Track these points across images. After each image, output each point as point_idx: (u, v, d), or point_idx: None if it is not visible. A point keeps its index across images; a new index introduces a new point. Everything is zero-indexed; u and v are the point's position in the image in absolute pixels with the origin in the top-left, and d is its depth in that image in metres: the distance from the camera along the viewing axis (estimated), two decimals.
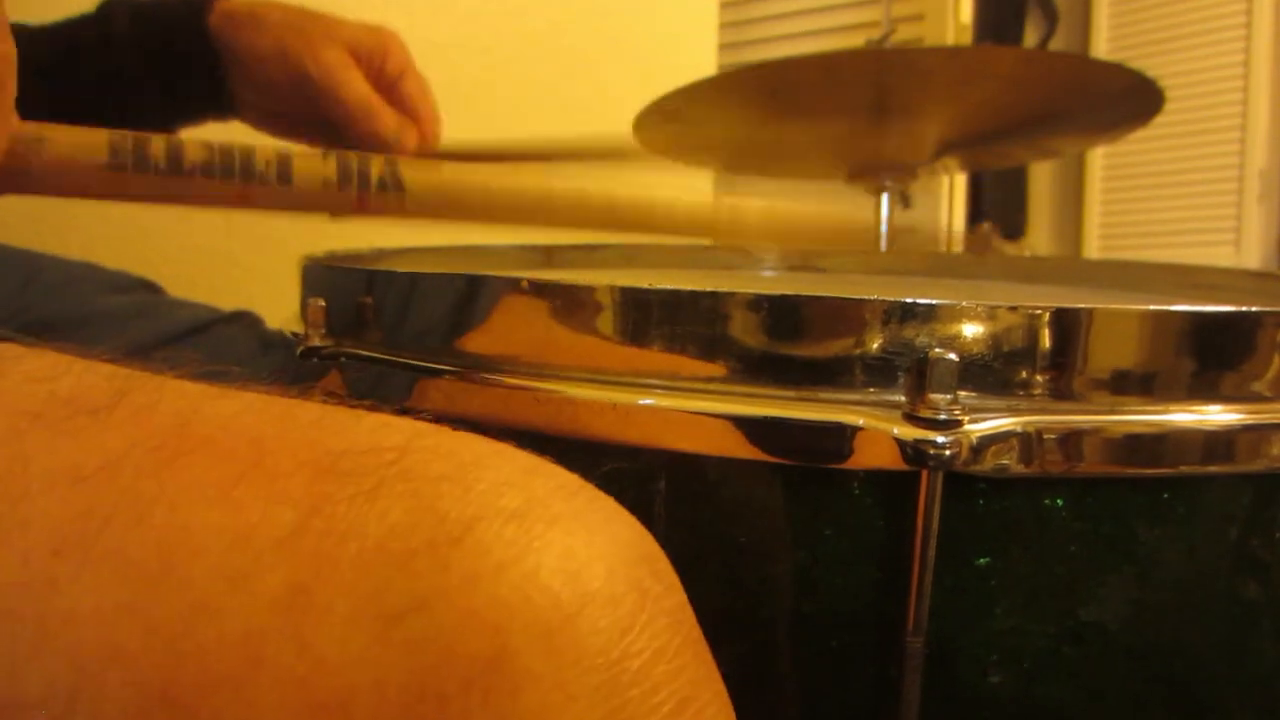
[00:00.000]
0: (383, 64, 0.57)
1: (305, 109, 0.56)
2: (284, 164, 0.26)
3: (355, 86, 0.55)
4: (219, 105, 0.57)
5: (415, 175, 0.29)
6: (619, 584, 0.17)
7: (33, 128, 0.25)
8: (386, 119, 0.56)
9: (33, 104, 0.23)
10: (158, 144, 0.26)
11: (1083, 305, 0.26)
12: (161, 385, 0.19)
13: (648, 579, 0.18)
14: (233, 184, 0.27)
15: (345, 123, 0.55)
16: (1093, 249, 2.24)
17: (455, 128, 0.62)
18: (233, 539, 0.16)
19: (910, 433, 0.25)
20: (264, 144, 0.28)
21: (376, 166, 0.28)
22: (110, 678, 0.15)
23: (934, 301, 0.26)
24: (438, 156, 0.60)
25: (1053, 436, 0.25)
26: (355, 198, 0.28)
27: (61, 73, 0.53)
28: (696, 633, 0.19)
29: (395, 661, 0.15)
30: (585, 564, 0.17)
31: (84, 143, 0.26)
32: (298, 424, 0.18)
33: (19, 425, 0.17)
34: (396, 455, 0.18)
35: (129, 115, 0.57)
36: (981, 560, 0.27)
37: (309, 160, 0.27)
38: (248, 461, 0.17)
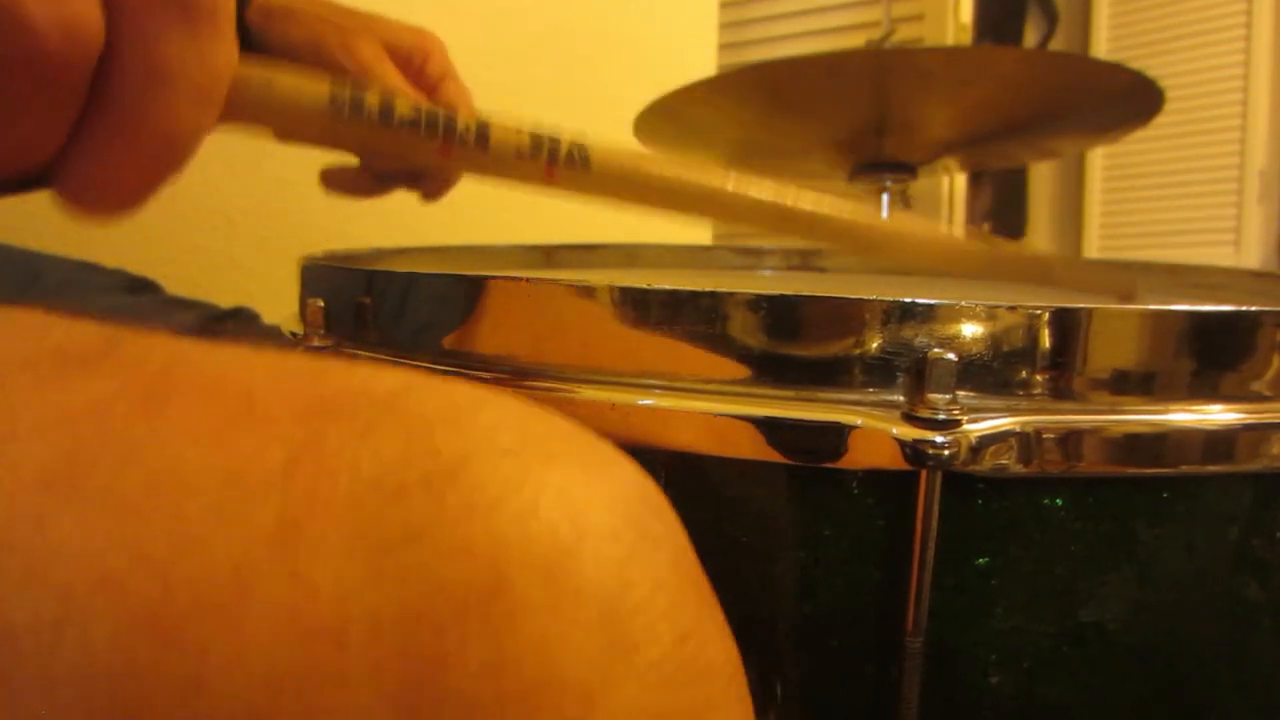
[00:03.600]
0: (423, 65, 0.57)
1: None
2: (482, 130, 0.28)
3: (390, 79, 0.54)
4: None
5: (602, 157, 0.30)
6: (618, 520, 0.17)
7: (258, 71, 0.26)
8: None
9: None
10: (372, 96, 0.27)
11: (1082, 305, 0.26)
12: (152, 337, 0.19)
13: (648, 516, 0.18)
14: (435, 141, 0.28)
15: None
16: (1093, 249, 2.24)
17: None
18: (224, 476, 0.16)
19: (909, 432, 0.25)
20: (465, 110, 0.29)
21: (565, 144, 0.29)
22: (98, 605, 0.15)
23: (933, 301, 0.26)
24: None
25: (1052, 436, 0.25)
26: (544, 169, 0.29)
27: None
28: (698, 571, 0.19)
29: (389, 591, 0.15)
30: (583, 500, 0.17)
31: (306, 89, 0.27)
32: (289, 371, 0.18)
33: (7, 374, 0.17)
34: (389, 396, 0.17)
35: None
36: (981, 560, 0.27)
37: (504, 130, 0.28)
38: (239, 405, 0.17)
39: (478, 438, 0.17)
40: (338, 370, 0.19)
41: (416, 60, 0.56)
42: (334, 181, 0.60)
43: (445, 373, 0.31)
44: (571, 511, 0.17)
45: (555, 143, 0.30)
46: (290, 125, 0.28)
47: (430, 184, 0.59)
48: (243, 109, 0.26)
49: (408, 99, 0.29)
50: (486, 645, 0.16)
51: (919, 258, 0.41)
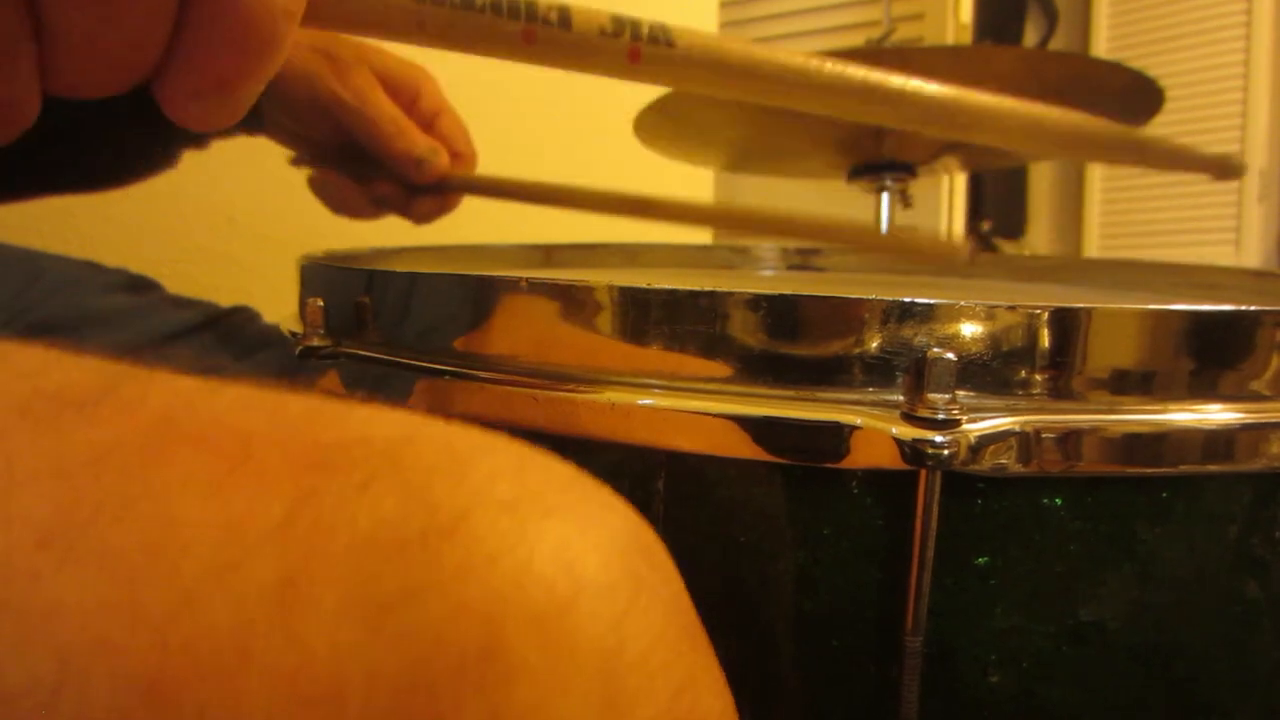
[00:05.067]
0: (414, 100, 0.57)
1: (332, 134, 0.56)
2: (564, 11, 0.28)
3: (384, 107, 0.54)
4: (250, 122, 0.57)
5: (684, 35, 0.30)
6: (614, 573, 0.17)
7: None
8: (418, 138, 0.56)
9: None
10: None
11: (1082, 305, 0.26)
12: (150, 380, 0.19)
13: (643, 568, 0.18)
14: (518, 23, 0.28)
15: (376, 143, 0.55)
16: (1093, 249, 2.24)
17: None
18: (221, 532, 0.16)
19: (909, 432, 0.25)
20: None
21: (646, 23, 0.29)
22: (96, 670, 0.15)
23: (932, 301, 0.26)
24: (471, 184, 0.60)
25: (1051, 436, 0.25)
26: (629, 48, 0.29)
27: None
28: (694, 621, 0.19)
29: (386, 653, 0.15)
30: (579, 554, 0.17)
31: None
32: (287, 418, 0.18)
33: (4, 421, 0.17)
34: (388, 446, 0.17)
35: (161, 122, 0.57)
36: (981, 560, 0.27)
37: (585, 11, 0.28)
38: (236, 456, 0.17)
39: (475, 491, 0.17)
40: (337, 414, 0.18)
41: (407, 94, 0.57)
42: (323, 189, 0.60)
43: (444, 373, 0.31)
44: (568, 566, 0.17)
45: (637, 23, 0.30)
46: (375, 13, 0.28)
47: (422, 205, 0.59)
48: (322, 5, 0.26)
49: None
50: (483, 708, 0.15)
51: (1009, 135, 0.40)
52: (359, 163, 0.58)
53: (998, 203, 2.18)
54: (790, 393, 0.27)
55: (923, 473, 0.25)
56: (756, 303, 0.27)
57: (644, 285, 0.28)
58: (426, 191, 0.59)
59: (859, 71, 0.34)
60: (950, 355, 0.25)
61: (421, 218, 0.60)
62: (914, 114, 0.35)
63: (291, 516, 0.16)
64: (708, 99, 0.69)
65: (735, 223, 0.65)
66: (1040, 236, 2.34)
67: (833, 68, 0.33)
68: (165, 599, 0.15)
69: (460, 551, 0.16)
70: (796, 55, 0.33)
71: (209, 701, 0.15)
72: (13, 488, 0.16)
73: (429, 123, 0.58)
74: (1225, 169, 0.47)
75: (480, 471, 0.17)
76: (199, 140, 0.58)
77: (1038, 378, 0.26)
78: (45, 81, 0.22)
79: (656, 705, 0.17)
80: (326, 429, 0.18)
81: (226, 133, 0.58)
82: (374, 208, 0.61)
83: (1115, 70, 0.67)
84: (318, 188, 0.61)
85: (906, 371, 0.26)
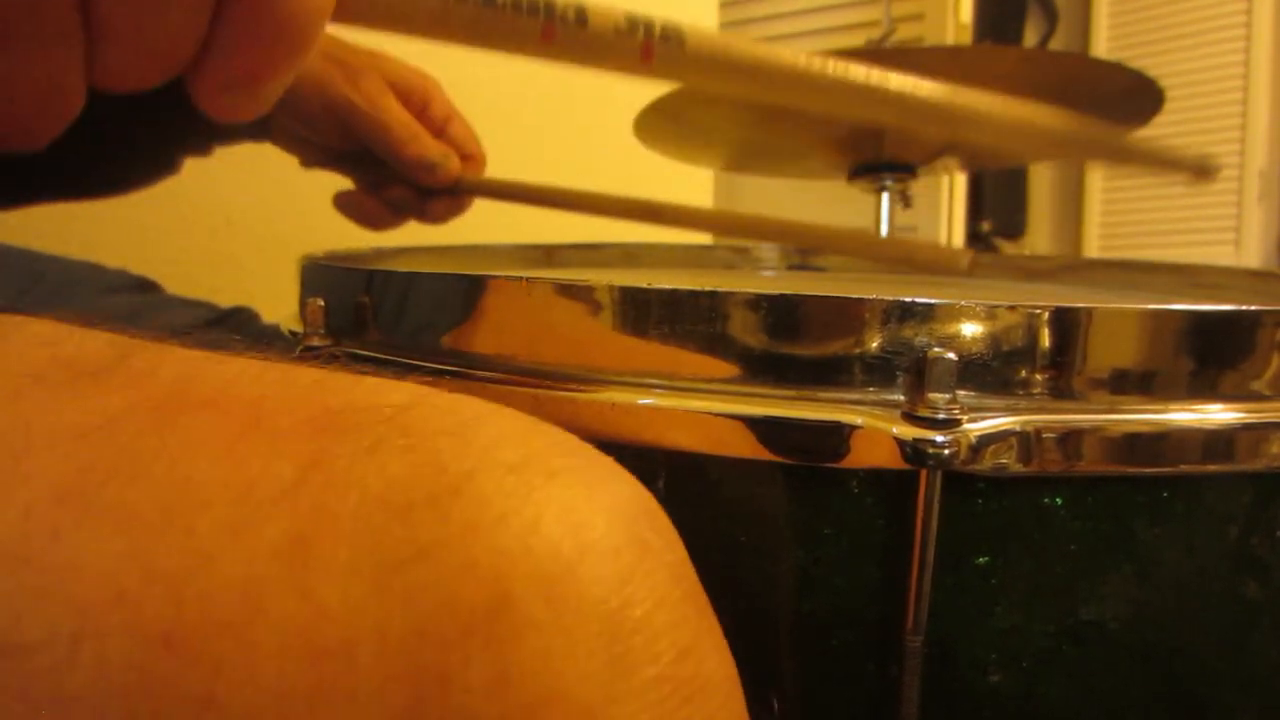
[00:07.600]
0: (425, 106, 0.58)
1: (342, 139, 0.56)
2: (580, 9, 0.29)
3: (397, 113, 0.55)
4: (256, 128, 0.57)
5: (695, 35, 0.31)
6: (619, 536, 0.17)
7: None
8: (430, 143, 0.56)
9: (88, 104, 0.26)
10: None
11: (1082, 304, 0.26)
12: (162, 350, 0.19)
13: (648, 532, 0.18)
14: (537, 20, 0.29)
15: (389, 149, 0.55)
16: (1093, 249, 2.24)
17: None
18: (234, 492, 0.16)
19: (909, 432, 0.25)
20: None
21: (659, 23, 0.30)
22: (112, 622, 0.15)
23: (933, 301, 0.26)
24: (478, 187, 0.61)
25: (1052, 436, 0.25)
26: (642, 46, 0.30)
27: None
28: (697, 587, 0.19)
29: (396, 608, 0.16)
30: (585, 516, 0.17)
31: None
32: (297, 384, 0.19)
33: (21, 386, 0.17)
34: (395, 412, 0.18)
35: (165, 128, 0.57)
36: (981, 559, 0.27)
37: (600, 10, 0.29)
38: (247, 420, 0.17)
39: (482, 453, 0.17)
40: (345, 383, 0.19)
41: (418, 100, 0.57)
42: (345, 204, 0.61)
43: (445, 373, 0.31)
44: (573, 527, 0.17)
45: (650, 21, 0.30)
46: (400, 9, 0.29)
47: (436, 207, 0.60)
48: (351, 3, 0.27)
49: None
50: (490, 662, 0.16)
51: (1003, 133, 0.41)
52: (368, 168, 0.59)
53: (998, 203, 2.18)
54: (791, 392, 0.27)
55: (923, 472, 0.25)
56: (757, 302, 0.27)
57: (644, 285, 0.28)
58: (439, 194, 0.59)
59: (861, 71, 0.34)
60: (951, 355, 0.25)
61: (436, 219, 0.61)
62: (914, 113, 0.36)
63: (302, 478, 0.16)
64: (707, 97, 0.69)
65: (738, 229, 0.66)
66: (1040, 237, 2.34)
67: (837, 68, 0.34)
68: (180, 556, 0.16)
69: (468, 511, 0.16)
70: (801, 55, 0.33)
71: (224, 654, 0.15)
72: (30, 448, 0.16)
73: (440, 128, 0.58)
74: (1202, 170, 0.47)
75: (486, 435, 0.18)
76: (202, 147, 0.58)
77: (1038, 377, 0.26)
78: (91, 73, 0.23)
79: (659, 666, 0.17)
80: (334, 395, 0.18)
81: (231, 139, 0.58)
82: (393, 215, 0.61)
83: (1115, 70, 0.67)
84: (343, 206, 0.62)
85: (907, 371, 0.26)
